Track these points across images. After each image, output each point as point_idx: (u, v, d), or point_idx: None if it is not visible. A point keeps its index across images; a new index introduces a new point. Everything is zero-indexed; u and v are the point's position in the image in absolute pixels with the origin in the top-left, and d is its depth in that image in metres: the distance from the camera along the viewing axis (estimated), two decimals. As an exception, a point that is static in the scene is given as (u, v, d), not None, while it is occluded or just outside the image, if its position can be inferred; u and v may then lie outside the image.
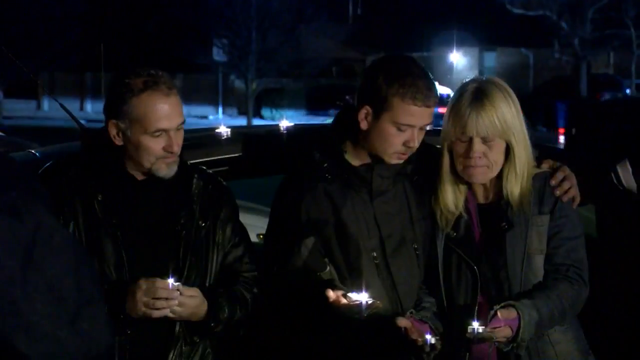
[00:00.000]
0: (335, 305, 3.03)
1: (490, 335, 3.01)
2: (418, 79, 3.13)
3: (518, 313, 3.05)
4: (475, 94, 3.18)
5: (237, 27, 33.32)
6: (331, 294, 3.03)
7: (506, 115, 3.16)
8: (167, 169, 3.08)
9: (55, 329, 1.95)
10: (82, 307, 1.99)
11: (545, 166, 3.31)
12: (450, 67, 37.04)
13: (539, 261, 3.22)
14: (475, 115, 3.14)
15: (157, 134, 3.03)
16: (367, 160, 3.24)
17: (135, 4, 40.18)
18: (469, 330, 2.98)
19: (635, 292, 3.42)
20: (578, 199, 3.27)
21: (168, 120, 3.04)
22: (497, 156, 3.18)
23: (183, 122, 3.09)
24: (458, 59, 39.98)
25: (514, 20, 35.87)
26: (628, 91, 34.38)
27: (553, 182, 3.25)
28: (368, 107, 3.17)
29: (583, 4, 32.52)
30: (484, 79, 3.27)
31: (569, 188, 3.26)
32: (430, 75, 3.20)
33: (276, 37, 33.31)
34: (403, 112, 3.12)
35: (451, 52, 39.00)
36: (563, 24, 33.10)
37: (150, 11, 38.90)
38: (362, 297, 2.98)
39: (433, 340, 3.06)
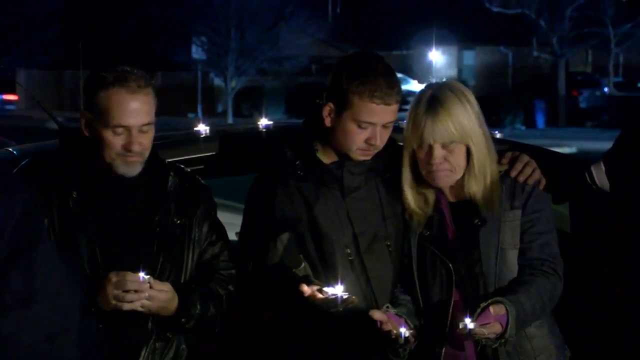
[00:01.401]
0: (311, 300, 3.04)
1: (483, 331, 3.02)
2: (378, 77, 3.14)
3: (506, 309, 3.07)
4: (430, 101, 3.20)
5: (216, 25, 33.21)
6: (306, 289, 3.05)
7: (462, 119, 3.18)
8: (126, 167, 3.07)
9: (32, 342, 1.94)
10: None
11: (504, 162, 3.32)
12: (429, 66, 37.07)
13: (512, 256, 3.24)
14: (430, 122, 3.16)
15: (118, 130, 3.03)
16: (338, 157, 3.26)
17: (114, 1, 40.01)
18: (460, 327, 3.00)
19: (608, 289, 3.44)
20: (543, 181, 3.30)
21: (131, 118, 3.03)
22: (459, 159, 3.21)
23: (150, 124, 3.07)
24: (437, 58, 40.02)
25: (492, 18, 35.96)
26: (606, 89, 34.54)
27: (513, 173, 3.28)
28: (331, 105, 3.20)
29: (561, 2, 32.61)
30: (440, 83, 3.28)
31: (532, 172, 3.27)
32: (396, 74, 3.21)
33: (255, 35, 33.23)
34: (362, 110, 3.14)
35: (430, 50, 38.98)
36: (541, 23, 33.18)
37: (129, 9, 38.74)
38: (337, 291, 3.00)
39: (407, 334, 3.08)
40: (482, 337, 3.05)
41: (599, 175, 3.39)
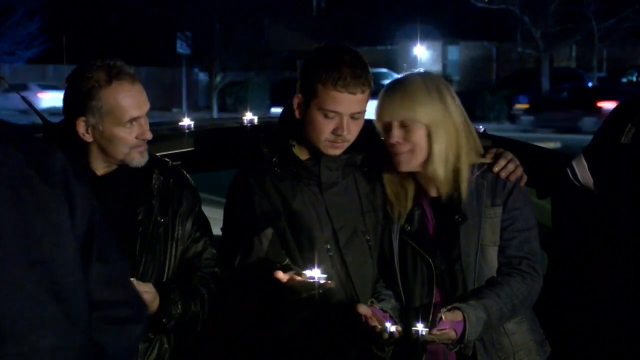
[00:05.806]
0: (288, 285, 3.03)
1: (433, 338, 3.01)
2: (343, 66, 3.14)
3: (464, 315, 3.06)
4: (392, 82, 3.24)
5: (200, 20, 33.14)
6: (282, 275, 3.04)
7: (419, 98, 3.16)
8: (140, 158, 3.09)
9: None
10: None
11: (489, 156, 3.31)
12: (414, 60, 37.10)
13: (492, 253, 3.23)
14: (387, 99, 3.19)
15: (132, 123, 3.04)
16: (313, 153, 3.25)
17: (98, -4, 39.83)
18: (412, 332, 3.00)
19: (592, 284, 3.44)
20: (525, 178, 3.29)
21: (139, 108, 3.05)
22: (419, 139, 3.18)
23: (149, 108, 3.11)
24: (422, 52, 40.08)
25: (477, 13, 36.01)
26: (590, 84, 34.66)
27: (496, 169, 3.26)
28: (300, 96, 3.20)
29: (545, -3, 32.71)
30: (412, 72, 3.28)
31: (514, 169, 3.27)
32: (366, 66, 3.18)
33: (240, 30, 33.18)
34: (326, 98, 3.14)
35: (415, 45, 39.07)
36: (525, 18, 33.26)
37: (113, 3, 38.60)
38: (314, 274, 2.99)
39: (392, 329, 3.07)
40: (434, 343, 3.05)
41: (582, 171, 3.36)
